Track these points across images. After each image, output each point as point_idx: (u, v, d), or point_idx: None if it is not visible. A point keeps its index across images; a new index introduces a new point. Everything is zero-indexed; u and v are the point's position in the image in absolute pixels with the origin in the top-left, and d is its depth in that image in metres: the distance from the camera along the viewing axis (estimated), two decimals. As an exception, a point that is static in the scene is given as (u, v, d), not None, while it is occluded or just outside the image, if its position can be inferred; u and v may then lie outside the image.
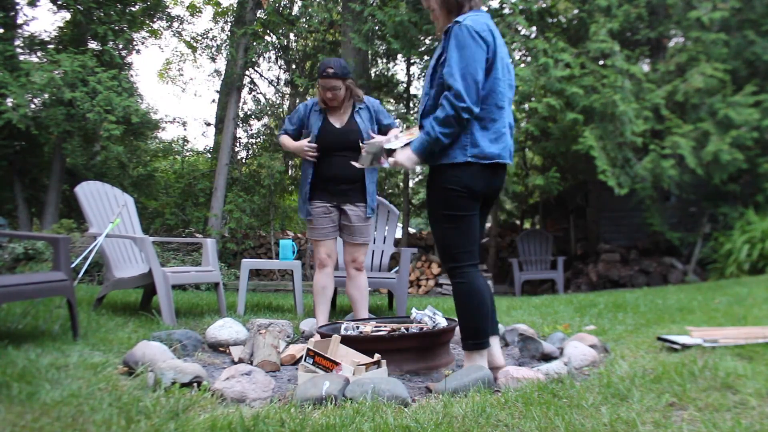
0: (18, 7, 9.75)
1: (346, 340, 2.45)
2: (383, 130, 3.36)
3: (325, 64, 3.21)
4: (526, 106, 8.24)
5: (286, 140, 3.42)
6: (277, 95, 13.71)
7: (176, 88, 35.71)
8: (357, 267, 3.42)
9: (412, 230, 12.93)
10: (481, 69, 2.17)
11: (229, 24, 13.58)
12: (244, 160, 12.47)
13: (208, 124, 14.37)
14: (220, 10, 14.34)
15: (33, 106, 8.65)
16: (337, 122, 3.32)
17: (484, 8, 2.45)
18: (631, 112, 6.90)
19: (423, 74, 9.98)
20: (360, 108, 3.35)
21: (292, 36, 12.61)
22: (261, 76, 13.33)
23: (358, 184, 3.33)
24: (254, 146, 13.27)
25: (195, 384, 2.05)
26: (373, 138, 2.91)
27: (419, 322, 2.77)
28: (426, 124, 2.25)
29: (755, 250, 6.80)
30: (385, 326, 2.75)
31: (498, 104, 2.25)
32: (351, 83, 3.28)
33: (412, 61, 9.70)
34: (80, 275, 4.39)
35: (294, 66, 12.43)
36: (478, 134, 2.21)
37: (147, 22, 12.29)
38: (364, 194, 3.35)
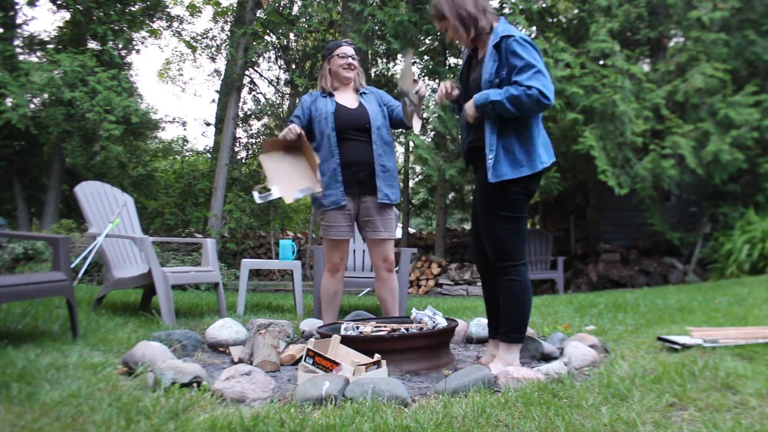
0: (17, 6, 9.76)
1: (346, 340, 2.45)
2: (395, 110, 3.29)
3: (337, 42, 3.29)
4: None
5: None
6: (277, 95, 13.70)
7: (176, 88, 35.74)
8: (388, 268, 3.25)
9: (412, 230, 12.93)
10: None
11: (229, 24, 13.58)
12: (244, 160, 12.47)
13: (208, 124, 14.37)
14: (219, 9, 14.34)
15: (32, 106, 8.65)
16: (348, 104, 3.24)
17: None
18: (631, 112, 6.90)
19: (423, 74, 9.97)
20: (364, 92, 3.32)
21: (292, 36, 12.60)
22: (261, 76, 13.32)
23: (373, 172, 3.16)
24: (254, 146, 13.26)
25: (195, 384, 2.05)
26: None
27: (419, 322, 2.76)
28: (506, 89, 2.26)
29: (755, 250, 6.80)
30: (385, 326, 2.74)
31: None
32: (359, 63, 3.33)
33: (412, 61, 9.69)
34: (80, 275, 4.39)
35: (294, 66, 12.42)
36: (539, 143, 2.35)
37: (147, 21, 12.30)
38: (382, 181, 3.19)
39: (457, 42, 2.50)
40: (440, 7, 2.44)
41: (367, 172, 3.17)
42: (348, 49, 3.25)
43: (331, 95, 3.26)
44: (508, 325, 2.40)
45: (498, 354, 2.45)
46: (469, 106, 2.36)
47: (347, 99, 3.26)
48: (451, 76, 7.91)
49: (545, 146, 2.40)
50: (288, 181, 2.99)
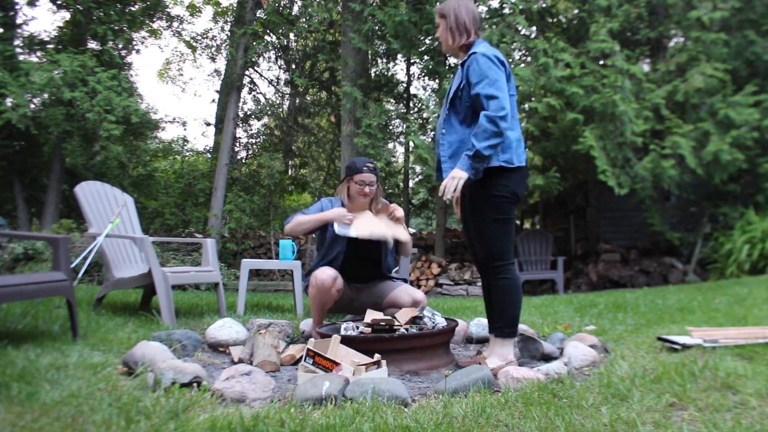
0: (17, 6, 9.75)
1: (346, 340, 2.45)
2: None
3: (362, 161, 3.23)
4: (526, 106, 8.23)
5: (306, 216, 3.26)
6: (277, 95, 13.71)
7: (176, 88, 35.72)
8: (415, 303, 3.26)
9: (412, 230, 12.93)
10: (505, 88, 2.41)
11: (229, 24, 13.59)
12: (244, 160, 12.48)
13: (208, 124, 14.38)
14: (219, 9, 14.35)
15: (32, 106, 8.65)
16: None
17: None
18: (631, 112, 6.90)
19: (423, 74, 9.97)
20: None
21: (292, 36, 12.61)
22: (261, 76, 13.34)
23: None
24: (254, 146, 13.27)
25: (195, 384, 2.05)
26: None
27: (420, 321, 2.76)
28: (457, 149, 2.49)
29: (755, 250, 6.80)
30: (383, 322, 2.74)
31: (515, 116, 2.50)
32: (379, 183, 3.31)
33: (412, 61, 9.70)
34: (80, 275, 4.39)
35: (294, 66, 12.43)
36: (513, 141, 2.46)
37: (147, 21, 12.29)
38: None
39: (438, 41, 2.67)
40: (447, 7, 2.59)
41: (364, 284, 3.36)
42: (367, 177, 3.19)
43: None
44: (500, 320, 2.53)
45: (494, 349, 2.54)
46: (457, 177, 2.40)
47: (363, 223, 3.21)
48: (451, 76, 7.91)
49: (519, 147, 2.50)
50: (368, 224, 3.19)
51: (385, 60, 10.92)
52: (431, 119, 8.12)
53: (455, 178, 2.38)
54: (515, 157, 2.46)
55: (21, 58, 9.16)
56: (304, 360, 2.24)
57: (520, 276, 2.57)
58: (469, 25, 2.55)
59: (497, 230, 2.47)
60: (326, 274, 3.05)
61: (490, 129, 2.31)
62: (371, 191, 3.22)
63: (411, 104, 10.55)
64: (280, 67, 13.26)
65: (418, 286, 8.56)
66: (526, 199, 11.14)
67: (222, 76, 12.84)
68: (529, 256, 8.65)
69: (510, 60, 8.09)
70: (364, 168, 3.20)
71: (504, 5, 8.45)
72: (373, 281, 3.35)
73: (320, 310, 3.16)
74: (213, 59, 15.09)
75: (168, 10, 13.03)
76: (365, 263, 3.29)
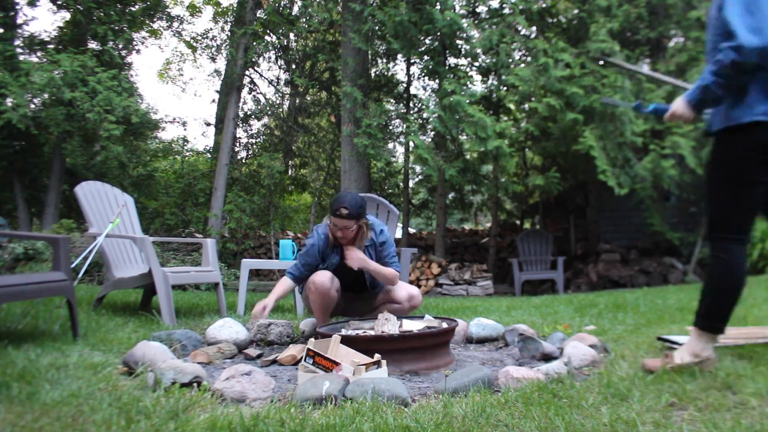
0: (18, 7, 9.76)
1: (346, 340, 2.45)
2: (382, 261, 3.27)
3: (339, 202, 3.00)
4: (526, 106, 8.24)
5: (279, 287, 3.16)
6: (277, 95, 13.72)
7: (176, 88, 35.76)
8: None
9: (412, 230, 12.93)
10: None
11: (229, 24, 13.58)
12: (244, 160, 12.48)
13: (208, 124, 14.39)
14: (220, 10, 14.35)
15: (33, 106, 8.66)
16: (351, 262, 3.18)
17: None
18: (631, 112, 6.90)
19: (423, 74, 9.96)
20: (367, 245, 3.22)
21: (292, 36, 12.62)
22: (261, 76, 13.35)
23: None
24: (254, 146, 13.28)
25: (195, 384, 2.05)
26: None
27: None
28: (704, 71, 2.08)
29: (755, 251, 6.81)
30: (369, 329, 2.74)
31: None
32: (364, 223, 3.12)
33: (412, 61, 9.69)
34: (80, 275, 4.39)
35: (294, 66, 12.43)
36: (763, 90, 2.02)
37: (147, 22, 12.30)
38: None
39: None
40: None
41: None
42: (339, 222, 3.00)
43: (336, 246, 3.19)
44: (704, 308, 2.19)
45: (689, 341, 2.21)
46: (681, 107, 2.14)
47: (351, 250, 3.15)
48: (451, 76, 7.91)
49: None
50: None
51: (385, 60, 10.92)
52: (431, 119, 8.11)
53: (678, 114, 2.14)
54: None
55: (21, 58, 9.17)
56: (304, 360, 2.24)
57: (743, 262, 2.17)
58: None
59: (726, 193, 2.09)
60: (323, 276, 3.06)
61: (727, 63, 1.95)
62: (345, 234, 3.05)
63: (411, 104, 10.55)
64: (280, 67, 13.26)
65: (419, 286, 8.57)
66: (526, 199, 11.15)
67: (222, 76, 12.84)
68: (529, 256, 8.65)
69: (510, 60, 8.09)
70: (337, 212, 2.99)
71: (504, 5, 8.45)
72: (364, 291, 3.36)
73: (324, 313, 3.17)
74: (213, 59, 15.09)
75: (168, 10, 13.04)
76: (352, 285, 3.30)
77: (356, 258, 3.08)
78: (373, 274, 3.17)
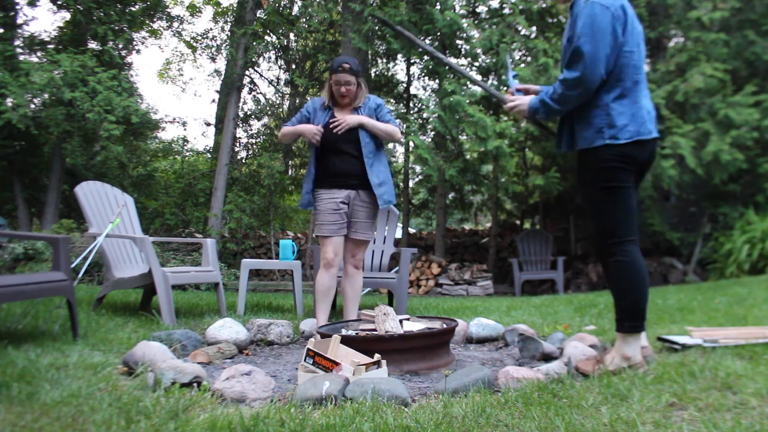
0: (18, 7, 9.76)
1: (346, 340, 2.45)
2: (381, 119, 3.41)
3: (340, 60, 3.27)
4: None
5: (289, 127, 3.41)
6: (277, 95, 13.72)
7: (176, 88, 35.74)
8: (356, 264, 3.42)
9: (412, 230, 12.93)
10: (610, 45, 2.13)
11: (229, 24, 13.59)
12: (244, 160, 12.48)
13: (208, 124, 14.39)
14: (220, 10, 14.34)
15: (33, 106, 8.65)
16: (340, 115, 3.33)
17: None
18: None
19: (423, 74, 9.96)
20: (360, 107, 3.37)
21: (292, 36, 12.61)
22: (261, 76, 13.34)
23: (364, 180, 3.31)
24: (254, 146, 13.27)
25: (195, 384, 2.05)
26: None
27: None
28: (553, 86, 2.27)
29: (755, 250, 6.80)
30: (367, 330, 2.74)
31: (634, 79, 2.20)
32: (362, 81, 3.34)
33: (412, 61, 9.70)
34: (80, 275, 4.40)
35: (294, 66, 12.43)
36: (614, 113, 2.17)
37: (147, 22, 12.29)
38: (371, 188, 3.32)
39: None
40: None
41: (360, 182, 3.32)
42: (342, 77, 3.24)
43: (330, 108, 3.37)
44: (618, 312, 2.28)
45: (615, 346, 2.27)
46: (522, 109, 2.39)
47: (342, 115, 3.33)
48: (451, 76, 7.91)
49: (632, 118, 2.21)
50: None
51: (385, 60, 10.92)
52: (431, 119, 8.11)
53: (517, 110, 2.39)
54: (628, 129, 2.17)
55: (21, 58, 9.16)
56: (304, 360, 2.24)
57: (642, 259, 2.31)
58: None
59: (604, 202, 2.22)
60: (325, 278, 3.29)
61: (573, 78, 2.17)
62: (348, 90, 3.25)
63: (411, 104, 10.55)
64: (280, 67, 13.27)
65: (419, 286, 8.57)
66: (526, 199, 11.15)
67: (222, 76, 12.85)
68: (529, 256, 8.65)
69: (510, 60, 8.09)
70: (339, 68, 3.23)
71: (504, 5, 8.46)
72: (359, 189, 3.34)
73: (326, 304, 3.33)
74: (213, 59, 15.07)
75: (168, 10, 13.03)
76: (345, 155, 3.32)
77: (352, 117, 3.27)
78: (373, 130, 3.29)
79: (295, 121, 3.42)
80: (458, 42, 8.38)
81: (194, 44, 15.17)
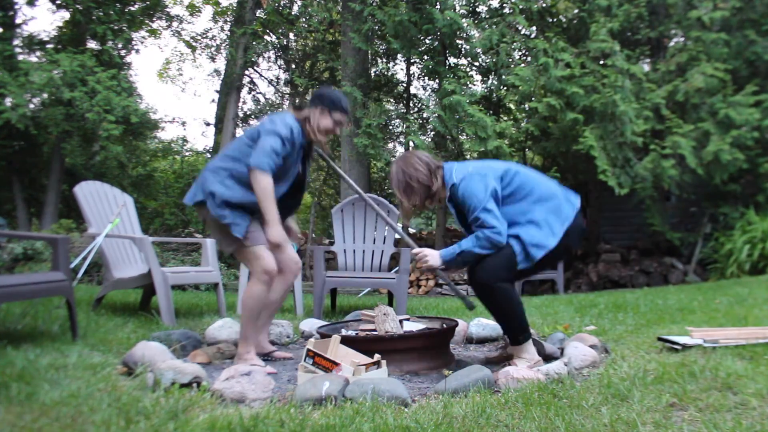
0: (17, 6, 9.76)
1: (346, 341, 2.44)
2: None
3: (341, 97, 2.83)
4: (526, 106, 8.23)
5: (270, 192, 2.58)
6: (276, 95, 13.72)
7: (176, 88, 35.76)
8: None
9: (412, 230, 12.93)
10: (496, 200, 2.46)
11: (229, 24, 13.58)
12: (243, 160, 12.45)
13: (208, 124, 14.40)
14: (219, 9, 14.34)
15: (32, 105, 8.65)
16: (300, 166, 2.90)
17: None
18: (631, 111, 6.89)
19: (423, 74, 9.96)
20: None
21: (291, 36, 12.62)
22: (261, 75, 13.35)
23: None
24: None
25: (194, 384, 2.04)
26: None
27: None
28: (467, 238, 2.49)
29: (756, 251, 6.79)
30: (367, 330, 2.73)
31: (535, 199, 2.49)
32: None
33: (412, 61, 9.70)
34: (79, 275, 4.39)
35: (294, 66, 12.43)
36: (527, 238, 2.44)
37: (146, 21, 12.29)
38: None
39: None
40: (392, 178, 2.61)
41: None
42: (345, 118, 2.83)
43: (306, 143, 2.85)
44: (509, 331, 2.57)
45: (518, 356, 2.53)
46: (435, 261, 2.53)
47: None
48: (451, 76, 7.91)
49: (549, 233, 2.48)
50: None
51: (385, 60, 10.92)
52: (431, 119, 8.11)
53: (431, 262, 2.52)
54: (544, 244, 2.45)
55: (20, 57, 9.17)
56: (304, 360, 2.23)
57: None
58: (426, 180, 2.52)
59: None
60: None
61: (487, 245, 2.43)
62: (340, 132, 2.93)
63: (411, 104, 10.55)
64: (279, 67, 13.28)
65: (419, 286, 8.57)
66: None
67: (222, 76, 12.85)
68: (529, 256, 8.63)
69: (510, 60, 8.08)
70: (345, 107, 2.81)
71: (504, 5, 8.45)
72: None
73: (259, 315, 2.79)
74: (213, 59, 15.08)
75: (167, 9, 13.03)
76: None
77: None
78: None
79: (279, 161, 2.62)
80: (458, 42, 8.38)
81: (194, 44, 15.18)
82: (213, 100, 13.95)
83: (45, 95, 8.43)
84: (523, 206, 2.49)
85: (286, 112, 2.83)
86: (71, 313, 2.81)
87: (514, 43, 8.11)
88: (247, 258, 2.66)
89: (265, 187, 2.55)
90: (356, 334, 2.68)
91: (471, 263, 2.49)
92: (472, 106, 7.30)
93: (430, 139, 9.35)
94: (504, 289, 2.42)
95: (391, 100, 11.02)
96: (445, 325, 2.78)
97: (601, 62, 7.48)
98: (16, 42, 9.75)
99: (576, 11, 8.58)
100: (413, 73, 10.49)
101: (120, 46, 10.43)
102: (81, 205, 3.93)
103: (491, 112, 9.14)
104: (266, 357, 2.86)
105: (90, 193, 4.04)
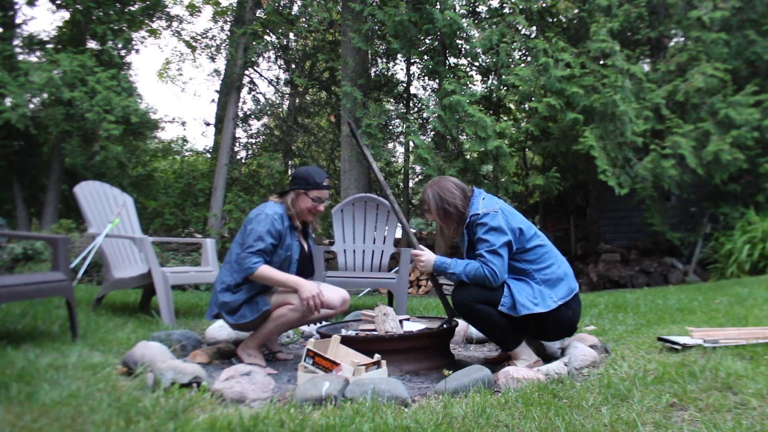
0: (17, 6, 9.76)
1: (346, 341, 2.44)
2: None
3: (321, 174, 2.81)
4: (526, 106, 8.22)
5: (274, 273, 2.62)
6: (276, 95, 13.72)
7: (176, 88, 35.73)
8: None
9: (412, 230, 12.93)
10: (508, 248, 2.43)
11: (229, 23, 13.58)
12: (243, 160, 12.48)
13: (208, 124, 14.38)
14: (219, 9, 14.33)
15: (32, 105, 8.65)
16: (303, 243, 2.92)
17: None
18: (631, 111, 6.89)
19: (423, 74, 9.95)
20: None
21: (291, 36, 12.62)
22: (260, 75, 13.35)
23: None
24: (254, 146, 13.28)
25: (194, 384, 2.04)
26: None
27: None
28: (466, 263, 2.45)
29: (756, 251, 6.79)
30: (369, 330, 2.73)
31: (544, 256, 2.47)
32: None
33: (412, 60, 9.69)
34: (79, 275, 4.39)
35: (294, 66, 12.43)
36: (539, 292, 2.43)
37: (146, 21, 12.29)
38: None
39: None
40: (428, 203, 2.61)
41: None
42: (325, 193, 2.80)
43: (296, 228, 2.85)
44: (499, 342, 2.62)
45: (516, 359, 2.53)
46: (429, 264, 2.55)
47: (300, 235, 2.92)
48: (451, 76, 7.91)
49: (563, 292, 2.48)
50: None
51: (385, 60, 10.91)
52: (431, 119, 8.11)
53: (423, 266, 2.54)
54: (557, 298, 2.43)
55: (20, 57, 9.17)
56: (304, 360, 2.23)
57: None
58: (461, 206, 2.52)
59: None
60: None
61: (488, 280, 2.39)
62: (324, 208, 2.82)
63: (411, 104, 10.54)
64: (279, 67, 13.27)
65: (419, 286, 8.57)
66: (527, 199, 11.15)
67: (222, 76, 12.84)
68: (529, 256, 8.63)
69: (510, 60, 8.09)
70: (324, 183, 2.77)
71: (504, 5, 8.45)
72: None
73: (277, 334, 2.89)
74: (213, 59, 15.08)
75: (167, 9, 13.02)
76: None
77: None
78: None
79: (266, 257, 2.66)
80: (458, 42, 8.37)
81: (194, 44, 15.17)
82: (213, 100, 13.96)
83: (45, 95, 8.43)
84: (533, 267, 2.46)
85: (269, 201, 2.87)
86: (71, 313, 2.81)
87: (514, 43, 8.11)
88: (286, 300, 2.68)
89: (267, 275, 2.61)
90: (356, 334, 2.68)
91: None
92: (472, 106, 7.30)
93: (430, 139, 9.35)
94: (481, 310, 2.39)
95: (391, 100, 11.01)
96: (445, 325, 2.77)
97: (601, 62, 7.48)
98: (16, 42, 9.75)
99: (576, 11, 8.58)
100: (413, 73, 10.48)
101: (120, 46, 10.43)
102: (81, 205, 3.93)
103: (491, 112, 9.14)
104: (269, 355, 2.89)
105: (90, 193, 4.04)
